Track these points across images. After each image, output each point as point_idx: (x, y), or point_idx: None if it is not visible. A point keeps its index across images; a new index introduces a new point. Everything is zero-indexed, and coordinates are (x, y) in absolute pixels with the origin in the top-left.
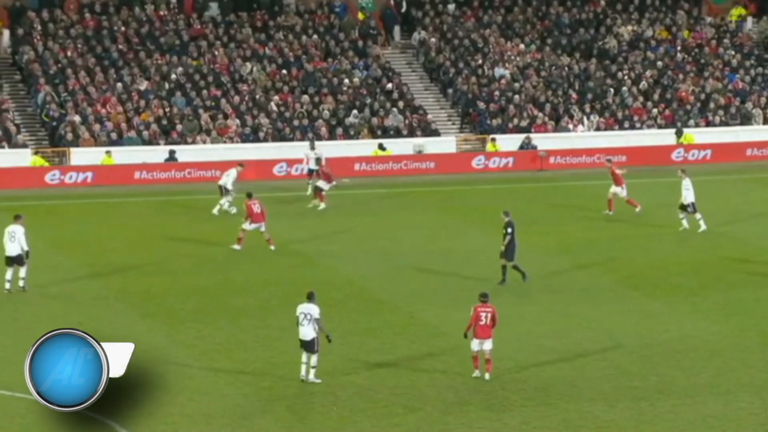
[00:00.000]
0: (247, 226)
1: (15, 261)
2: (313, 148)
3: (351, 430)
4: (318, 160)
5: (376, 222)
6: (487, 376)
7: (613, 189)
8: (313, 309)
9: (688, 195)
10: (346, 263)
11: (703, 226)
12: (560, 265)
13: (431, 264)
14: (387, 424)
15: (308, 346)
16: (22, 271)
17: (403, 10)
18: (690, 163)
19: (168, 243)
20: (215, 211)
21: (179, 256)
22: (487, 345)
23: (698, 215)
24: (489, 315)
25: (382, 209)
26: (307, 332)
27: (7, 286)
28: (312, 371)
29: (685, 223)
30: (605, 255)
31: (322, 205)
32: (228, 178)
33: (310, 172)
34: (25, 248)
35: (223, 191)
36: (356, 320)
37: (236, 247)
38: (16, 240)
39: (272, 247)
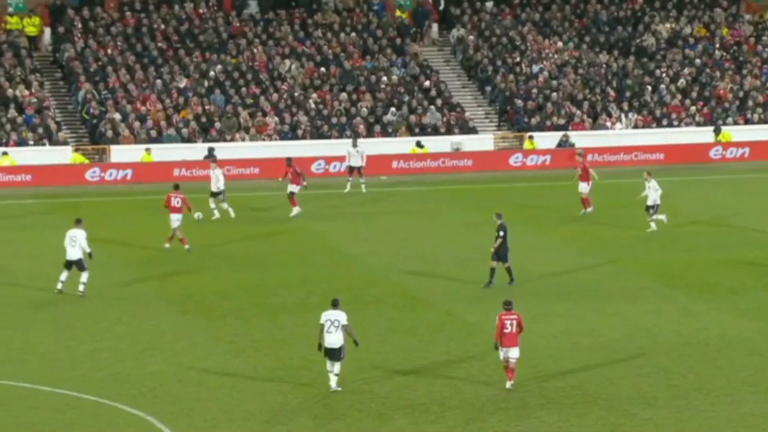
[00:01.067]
0: (172, 222)
1: (75, 265)
2: (355, 145)
3: (388, 428)
4: (359, 158)
5: (414, 219)
6: (508, 384)
7: (581, 186)
8: (340, 315)
9: (655, 196)
10: (384, 261)
11: (653, 227)
12: (596, 263)
13: (469, 262)
14: (424, 421)
15: (335, 354)
16: (84, 276)
17: (441, 7)
18: (728, 161)
19: (207, 240)
20: (232, 213)
21: (218, 253)
22: (513, 353)
23: (655, 217)
24: (514, 322)
25: (419, 207)
26: (335, 339)
27: (59, 286)
28: (335, 379)
29: (653, 225)
30: (642, 253)
31: (295, 210)
32: (220, 182)
33: (351, 169)
34: (87, 250)
35: (218, 195)
36: (394, 318)
37: (167, 245)
38: (77, 244)
39: (186, 247)
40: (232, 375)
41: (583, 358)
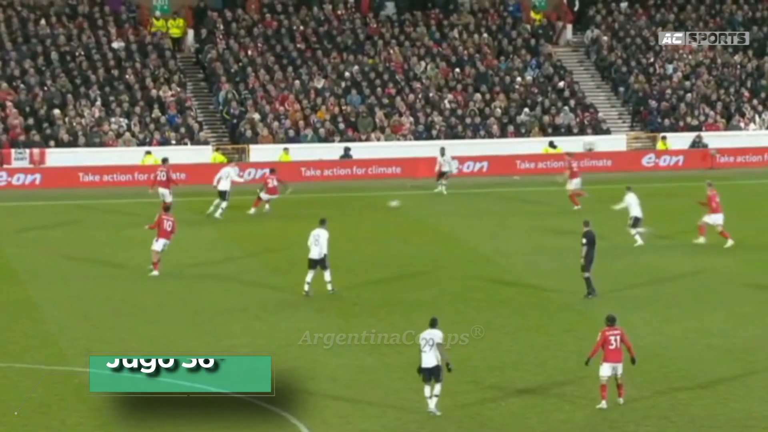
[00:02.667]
0: (157, 246)
1: (318, 264)
2: (443, 154)
3: (519, 425)
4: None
5: (547, 219)
6: (621, 400)
7: (570, 184)
8: (435, 334)
9: (637, 209)
10: (518, 260)
11: (639, 241)
12: (729, 264)
13: (601, 262)
14: (554, 420)
15: (433, 373)
16: (327, 275)
17: (576, 8)
18: None
19: (344, 239)
20: (218, 214)
21: (355, 252)
22: (620, 369)
23: (640, 230)
24: (618, 338)
25: (552, 207)
26: (431, 359)
27: (306, 288)
28: (434, 400)
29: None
30: None
31: (253, 210)
32: (227, 182)
33: (441, 173)
34: (324, 252)
35: (225, 195)
36: (526, 316)
37: (155, 273)
38: (320, 243)
39: (155, 272)
40: (365, 372)
41: (714, 359)
